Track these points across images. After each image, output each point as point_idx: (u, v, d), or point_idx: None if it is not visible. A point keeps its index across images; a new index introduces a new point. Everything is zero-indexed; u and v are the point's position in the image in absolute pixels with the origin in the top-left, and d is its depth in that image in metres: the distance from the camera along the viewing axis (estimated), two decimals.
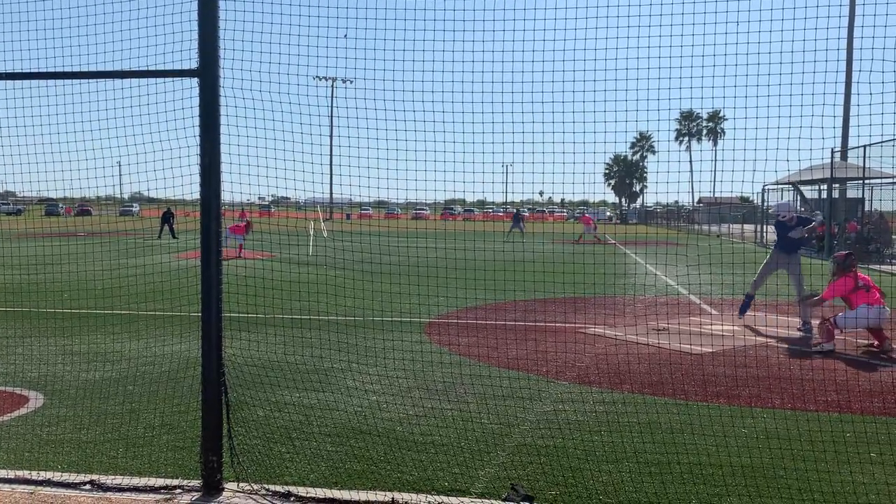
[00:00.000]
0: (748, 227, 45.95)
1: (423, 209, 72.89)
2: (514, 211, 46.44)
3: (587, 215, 42.00)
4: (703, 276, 13.17)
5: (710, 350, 9.29)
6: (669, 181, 8.22)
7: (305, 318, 10.69)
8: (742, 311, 11.88)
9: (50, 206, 65.46)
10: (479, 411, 6.39)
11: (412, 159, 5.32)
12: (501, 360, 8.46)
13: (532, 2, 4.93)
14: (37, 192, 6.33)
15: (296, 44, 5.11)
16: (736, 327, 11.24)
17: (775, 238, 12.05)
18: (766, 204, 37.36)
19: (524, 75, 5.04)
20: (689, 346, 9.37)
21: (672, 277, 18.44)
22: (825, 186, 31.04)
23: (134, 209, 60.95)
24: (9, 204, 66.76)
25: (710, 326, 11.25)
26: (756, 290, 11.80)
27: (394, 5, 5.12)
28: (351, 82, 6.02)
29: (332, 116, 5.66)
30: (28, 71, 5.29)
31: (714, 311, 13.06)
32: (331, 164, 5.96)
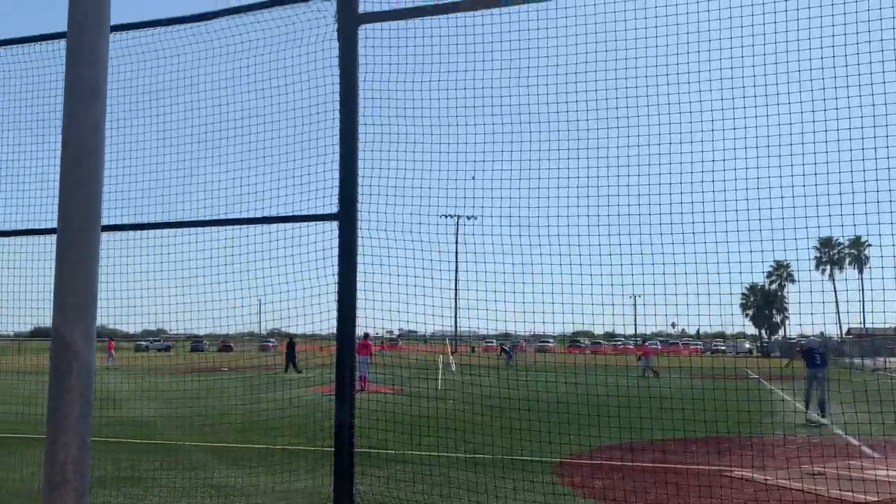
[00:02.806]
0: None
1: (548, 341, 71.84)
2: (502, 345, 42.95)
3: (648, 345, 38.82)
4: (860, 414, 12.06)
5: (876, 498, 8.33)
6: (813, 312, 7.75)
7: (434, 454, 10.57)
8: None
9: (196, 343, 69.65)
10: None
11: (538, 292, 5.35)
12: None
13: (656, 134, 5.00)
14: (185, 329, 6.81)
15: (427, 186, 5.40)
16: None
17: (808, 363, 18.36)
18: None
19: (650, 207, 5.04)
20: (850, 493, 8.44)
21: (826, 416, 16.96)
22: None
23: (272, 344, 63.74)
24: (160, 341, 71.30)
25: (872, 471, 10.15)
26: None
27: (518, 147, 5.33)
28: (476, 219, 6.21)
29: (457, 252, 5.83)
30: (182, 220, 5.85)
31: (876, 454, 11.80)
32: (456, 298, 6.08)
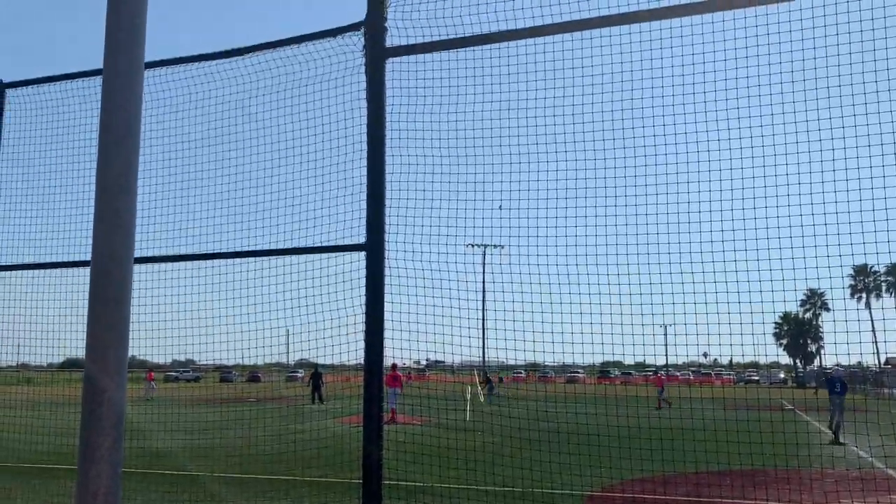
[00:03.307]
0: None
1: (577, 372, 71.08)
2: (486, 376, 41.53)
3: (660, 375, 38.66)
4: None
5: None
6: (849, 342, 7.58)
7: (462, 486, 10.46)
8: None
9: (224, 373, 69.93)
10: None
11: (567, 322, 5.29)
12: None
13: (684, 163, 4.96)
14: (213, 360, 6.85)
15: (454, 216, 5.40)
16: None
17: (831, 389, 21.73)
18: None
19: (680, 236, 4.99)
20: None
21: (864, 448, 16.50)
22: None
23: (299, 374, 63.84)
24: (189, 371, 71.72)
25: None
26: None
27: (545, 177, 5.32)
28: (503, 248, 6.20)
29: (484, 282, 5.81)
30: (211, 252, 5.92)
31: None
32: (483, 328, 6.04)
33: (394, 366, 23.05)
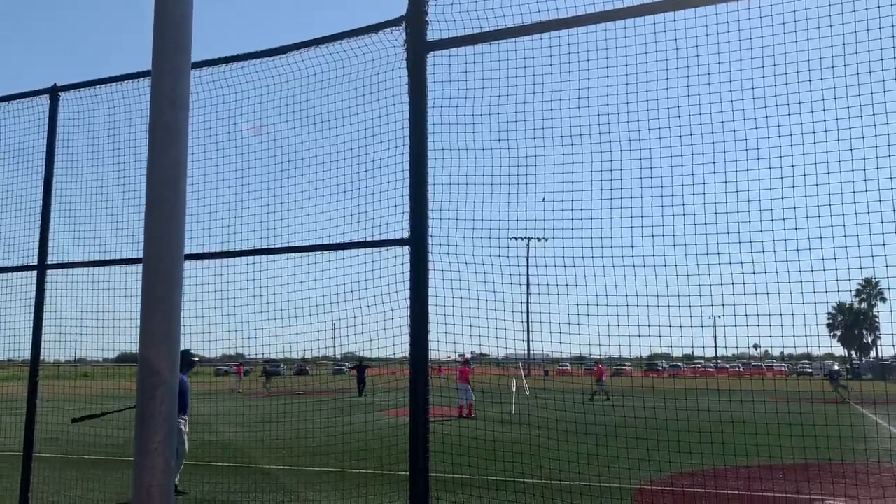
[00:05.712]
0: None
1: (624, 364, 70.40)
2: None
3: (601, 366, 37.18)
4: None
5: None
6: None
7: (509, 479, 10.45)
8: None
9: (273, 368, 71.08)
10: None
11: (613, 314, 5.23)
12: None
13: (732, 151, 4.87)
14: (262, 354, 6.97)
15: (497, 210, 5.38)
16: None
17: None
18: None
19: (728, 226, 4.89)
20: None
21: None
22: None
23: (345, 368, 64.61)
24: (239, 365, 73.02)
25: None
26: None
27: (590, 168, 5.27)
28: (547, 240, 6.16)
29: (528, 274, 5.78)
30: (259, 248, 6.01)
31: None
32: (528, 321, 6.01)
33: (466, 360, 22.49)
